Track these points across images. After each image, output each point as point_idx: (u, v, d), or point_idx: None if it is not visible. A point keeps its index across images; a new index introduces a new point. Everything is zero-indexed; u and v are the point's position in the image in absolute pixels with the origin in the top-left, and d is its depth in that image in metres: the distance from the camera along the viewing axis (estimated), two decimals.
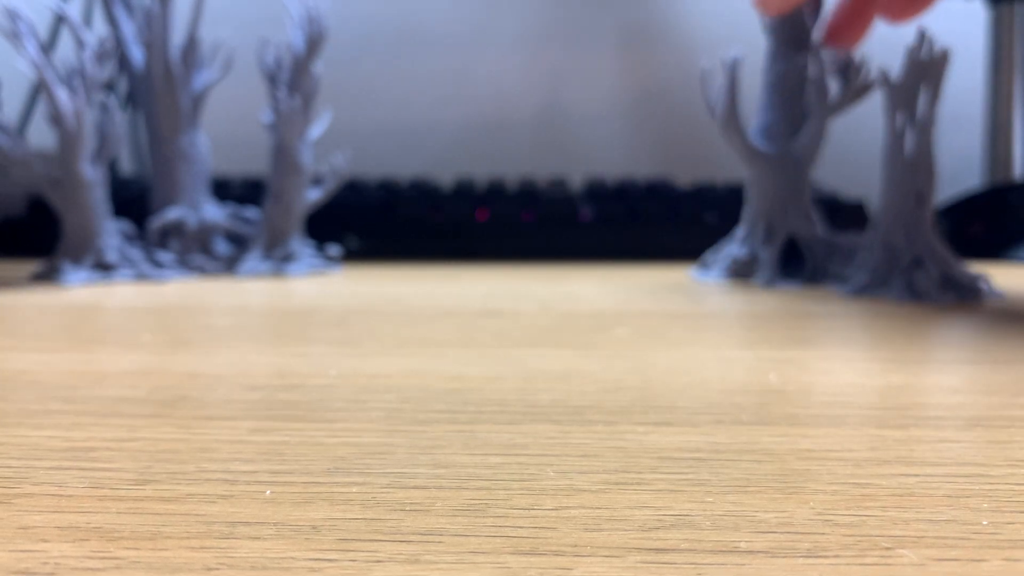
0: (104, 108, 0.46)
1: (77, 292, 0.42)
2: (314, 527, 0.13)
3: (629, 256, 0.61)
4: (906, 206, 0.41)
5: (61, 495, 0.14)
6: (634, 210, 0.62)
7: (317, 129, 0.52)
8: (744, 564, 0.12)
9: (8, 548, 0.12)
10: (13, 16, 0.44)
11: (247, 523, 0.13)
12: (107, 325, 0.33)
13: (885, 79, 0.41)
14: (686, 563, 0.12)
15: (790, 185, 0.47)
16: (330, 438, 0.17)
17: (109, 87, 0.62)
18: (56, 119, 0.44)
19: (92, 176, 0.46)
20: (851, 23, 0.45)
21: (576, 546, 0.12)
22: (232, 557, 0.12)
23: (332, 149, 0.54)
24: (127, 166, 0.74)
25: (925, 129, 0.40)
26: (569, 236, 0.62)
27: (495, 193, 0.64)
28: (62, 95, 0.44)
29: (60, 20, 0.65)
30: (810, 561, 0.12)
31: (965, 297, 0.39)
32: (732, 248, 0.49)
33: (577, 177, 0.69)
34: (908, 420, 0.19)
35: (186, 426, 0.18)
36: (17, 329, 0.31)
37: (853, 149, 0.67)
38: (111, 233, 0.47)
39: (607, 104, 0.84)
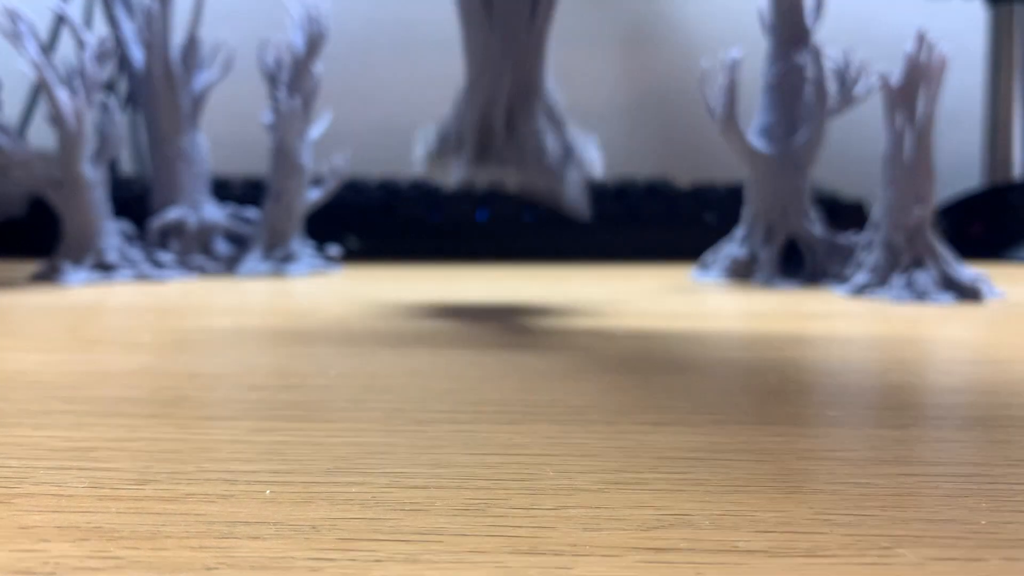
0: (104, 108, 0.46)
1: (77, 292, 0.42)
2: (314, 527, 0.13)
3: (629, 256, 0.61)
4: (906, 206, 0.41)
5: (61, 495, 0.14)
6: (634, 210, 0.62)
7: (317, 129, 0.52)
8: (743, 564, 0.12)
9: (8, 548, 0.12)
10: (13, 16, 0.44)
11: (247, 523, 0.13)
12: (107, 325, 0.33)
13: (885, 82, 0.41)
14: (685, 563, 0.12)
15: (790, 185, 0.47)
16: (330, 438, 0.17)
17: (109, 87, 0.62)
18: (56, 119, 0.44)
19: (92, 176, 0.46)
20: None
21: (575, 545, 0.12)
22: (232, 557, 0.12)
23: (332, 149, 0.54)
24: (127, 166, 0.74)
25: (924, 130, 0.41)
26: (569, 236, 0.62)
27: (495, 193, 0.64)
28: (62, 95, 0.44)
29: (60, 20, 0.65)
30: (809, 561, 0.12)
31: (965, 297, 0.39)
32: (732, 248, 0.49)
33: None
34: (907, 420, 0.19)
35: (186, 426, 0.18)
36: (17, 329, 0.31)
37: (853, 149, 0.67)
38: (111, 233, 0.47)
39: (607, 104, 0.84)
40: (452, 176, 0.32)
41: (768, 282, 0.46)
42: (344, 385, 0.22)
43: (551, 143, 0.32)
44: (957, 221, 0.64)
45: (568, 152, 0.31)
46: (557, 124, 0.33)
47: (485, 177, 0.32)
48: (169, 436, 0.17)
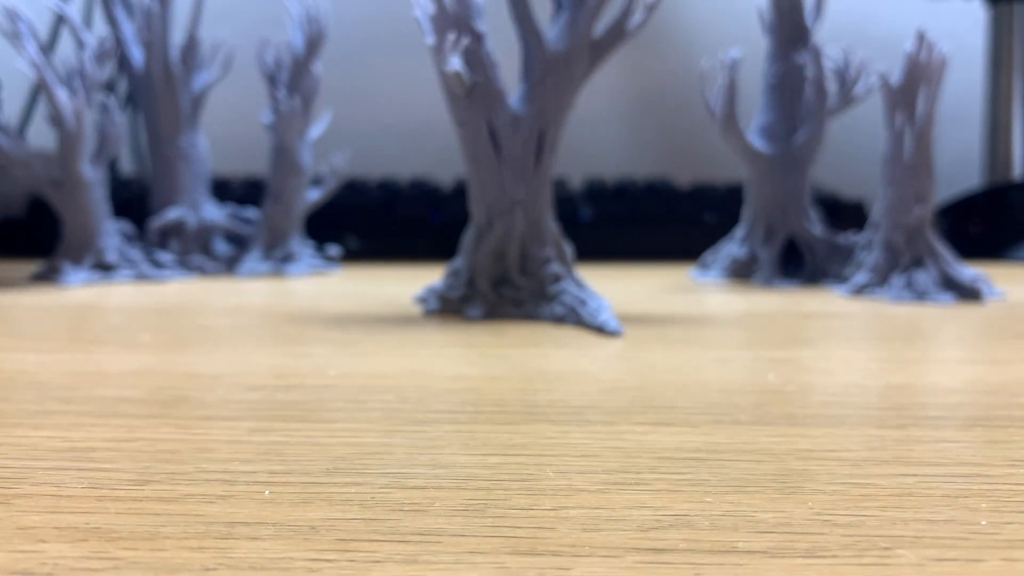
0: (104, 108, 0.46)
1: (77, 292, 0.42)
2: (313, 527, 0.13)
3: (629, 256, 0.61)
4: (906, 206, 0.41)
5: (60, 495, 0.14)
6: (634, 210, 0.62)
7: (317, 129, 0.52)
8: (742, 564, 0.12)
9: (6, 548, 0.12)
10: (13, 16, 0.44)
11: (246, 523, 0.13)
12: (107, 325, 0.33)
13: (884, 81, 0.41)
14: (684, 563, 0.12)
15: (790, 185, 0.47)
16: (329, 438, 0.17)
17: (109, 87, 0.62)
18: (56, 119, 0.44)
19: (92, 176, 0.46)
20: None
21: (574, 546, 0.12)
22: (231, 557, 0.12)
23: (332, 149, 0.54)
24: (127, 166, 0.74)
25: (924, 130, 0.41)
26: (569, 236, 0.62)
27: None
28: (62, 95, 0.44)
29: (60, 20, 0.65)
30: (808, 561, 0.12)
31: (965, 297, 0.39)
32: (731, 248, 0.49)
33: (577, 177, 0.69)
34: (907, 420, 0.19)
35: (185, 426, 0.18)
36: (17, 329, 0.31)
37: (853, 149, 0.67)
38: (111, 233, 0.47)
39: (607, 104, 0.84)
40: (469, 314, 0.33)
41: (768, 282, 0.46)
42: (343, 385, 0.22)
43: (565, 283, 0.34)
44: (957, 221, 0.64)
45: (582, 302, 0.33)
46: (565, 261, 0.35)
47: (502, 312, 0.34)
48: (168, 436, 0.17)
